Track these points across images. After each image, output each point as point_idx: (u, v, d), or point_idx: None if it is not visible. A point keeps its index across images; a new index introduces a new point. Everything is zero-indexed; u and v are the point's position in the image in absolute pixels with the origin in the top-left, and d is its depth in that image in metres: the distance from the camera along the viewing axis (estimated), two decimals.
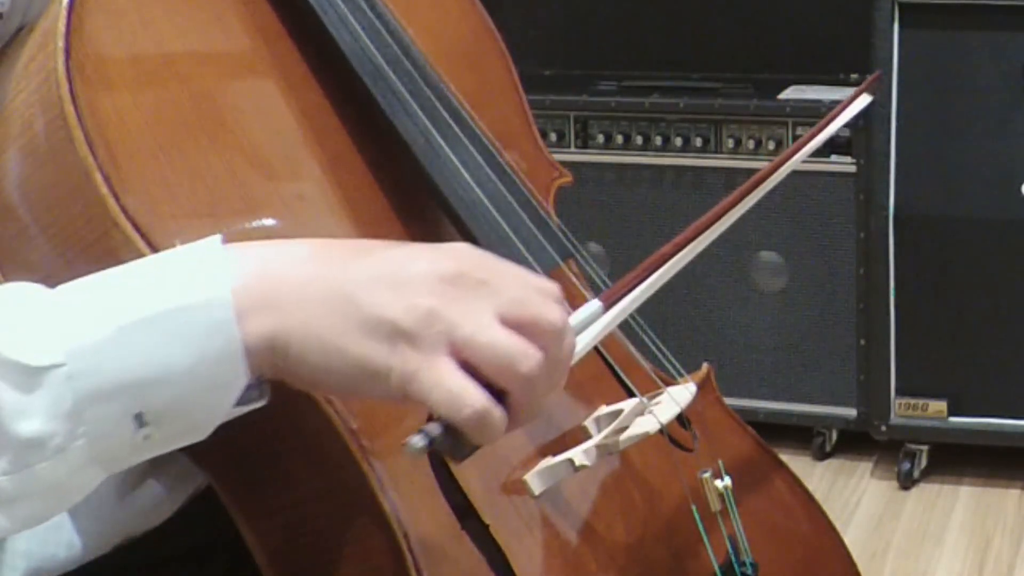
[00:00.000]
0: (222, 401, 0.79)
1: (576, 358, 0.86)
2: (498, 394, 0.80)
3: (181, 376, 0.77)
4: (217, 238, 0.79)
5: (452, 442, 0.80)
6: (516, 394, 0.80)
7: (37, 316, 0.77)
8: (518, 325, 0.80)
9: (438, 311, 0.78)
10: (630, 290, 0.93)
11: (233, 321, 0.77)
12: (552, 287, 0.83)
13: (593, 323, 0.89)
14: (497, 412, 0.79)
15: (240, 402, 0.79)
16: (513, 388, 0.80)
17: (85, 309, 0.77)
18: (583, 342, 0.89)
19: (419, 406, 0.80)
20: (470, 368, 0.79)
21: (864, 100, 1.18)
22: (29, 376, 0.75)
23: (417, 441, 0.78)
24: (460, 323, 0.79)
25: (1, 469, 0.76)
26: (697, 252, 1.01)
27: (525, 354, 0.79)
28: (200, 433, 0.80)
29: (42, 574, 0.93)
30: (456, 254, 0.82)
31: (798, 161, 1.09)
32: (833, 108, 2.55)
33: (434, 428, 0.79)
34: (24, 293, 0.78)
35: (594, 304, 0.89)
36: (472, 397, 0.78)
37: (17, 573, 0.93)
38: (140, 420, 0.77)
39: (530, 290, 0.82)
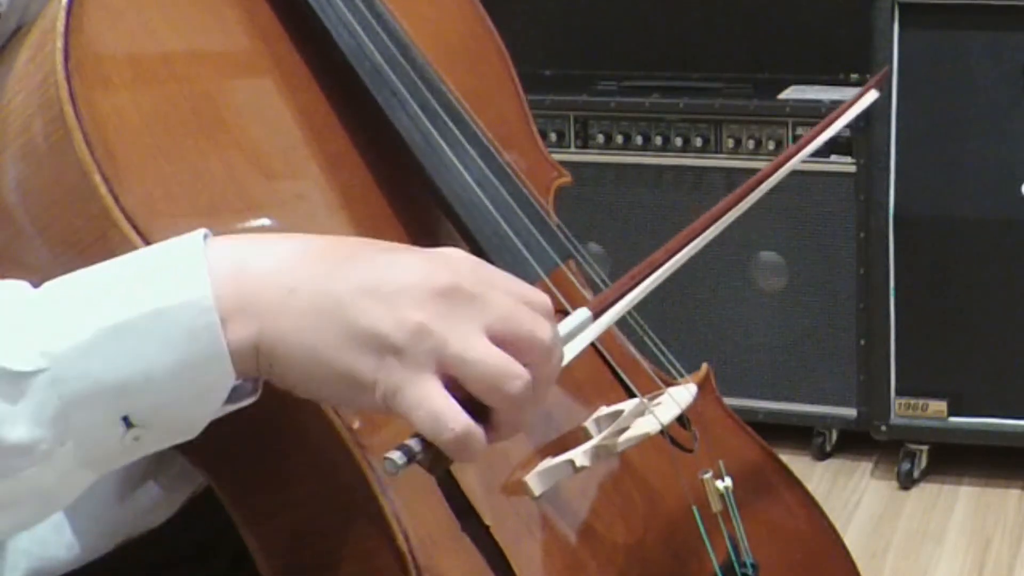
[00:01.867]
0: (209, 402, 0.77)
1: (563, 365, 0.85)
2: (483, 409, 0.78)
3: (165, 379, 0.75)
4: (199, 234, 0.77)
5: (432, 458, 0.79)
6: (501, 413, 0.79)
7: (18, 319, 0.76)
8: (508, 342, 0.78)
9: (428, 327, 0.77)
10: (619, 298, 0.92)
11: (216, 324, 0.76)
12: (543, 300, 0.82)
13: (582, 331, 0.88)
14: (478, 434, 0.78)
15: (229, 400, 0.78)
16: (499, 407, 0.78)
17: (67, 311, 0.76)
18: (571, 350, 0.87)
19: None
20: (457, 384, 0.78)
21: (872, 96, 1.17)
22: (12, 382, 0.74)
23: (398, 458, 0.77)
24: (449, 340, 0.77)
25: None
26: (697, 250, 1.00)
27: (514, 374, 0.78)
28: (191, 432, 0.79)
29: (43, 574, 0.93)
30: (449, 264, 0.79)
31: (807, 153, 1.09)
32: (833, 108, 2.56)
33: (415, 444, 0.78)
34: (5, 294, 0.77)
35: (582, 313, 0.88)
36: (454, 420, 0.77)
37: (18, 573, 0.93)
38: (127, 423, 0.76)
39: (521, 305, 0.80)
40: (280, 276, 0.77)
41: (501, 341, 0.78)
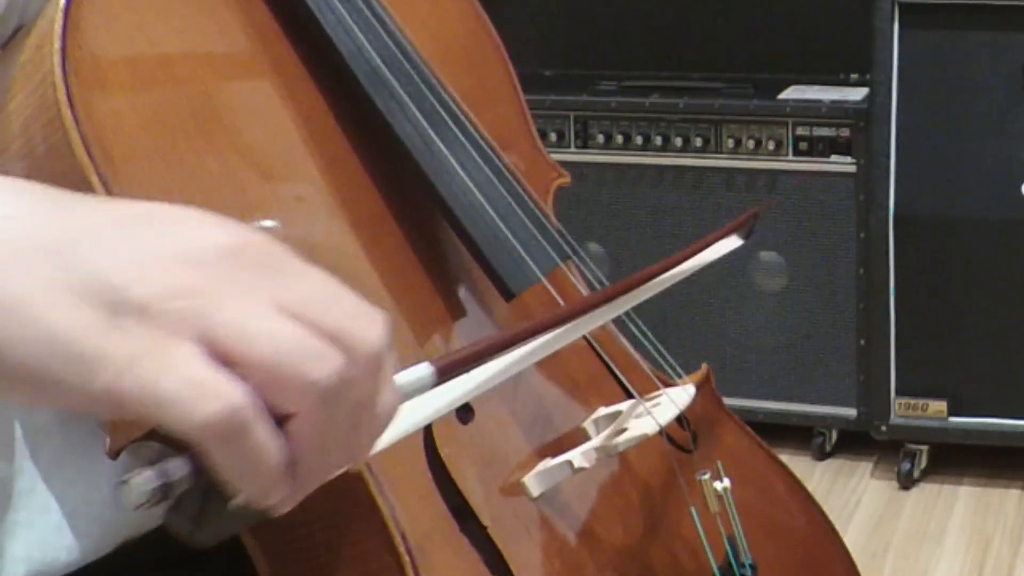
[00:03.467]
0: None
1: (394, 436, 0.65)
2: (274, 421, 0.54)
3: None
4: None
5: (199, 490, 0.54)
6: (303, 415, 0.54)
7: None
8: (315, 328, 0.55)
9: (191, 283, 0.54)
10: (472, 365, 0.70)
11: None
12: (380, 312, 0.58)
13: (420, 393, 0.65)
14: (262, 432, 0.53)
15: None
16: (300, 404, 0.54)
17: None
18: (405, 418, 0.65)
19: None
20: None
21: (734, 242, 1.02)
22: None
23: (142, 483, 0.53)
24: (222, 303, 0.54)
25: None
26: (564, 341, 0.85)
27: (320, 354, 0.54)
28: None
29: None
30: (244, 231, 0.58)
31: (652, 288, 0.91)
32: (834, 108, 2.53)
33: (176, 467, 0.53)
34: None
35: (423, 369, 0.65)
36: (222, 390, 0.52)
37: None
38: None
39: (342, 296, 0.58)
40: None
41: (305, 324, 0.55)
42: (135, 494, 0.53)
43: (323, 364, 0.54)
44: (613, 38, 3.02)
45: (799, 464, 2.74)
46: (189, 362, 0.53)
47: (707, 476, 1.05)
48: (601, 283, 1.11)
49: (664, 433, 1.04)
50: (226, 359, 0.53)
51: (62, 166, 0.81)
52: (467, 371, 0.70)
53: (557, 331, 0.80)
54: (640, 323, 1.09)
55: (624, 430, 1.01)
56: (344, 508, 0.89)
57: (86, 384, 0.53)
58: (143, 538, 0.96)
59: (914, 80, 2.51)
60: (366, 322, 0.57)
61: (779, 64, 2.85)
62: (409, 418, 0.66)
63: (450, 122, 1.01)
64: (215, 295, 0.54)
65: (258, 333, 0.53)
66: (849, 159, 2.62)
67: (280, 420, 0.54)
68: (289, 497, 0.56)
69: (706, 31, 2.95)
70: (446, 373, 0.66)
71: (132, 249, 0.54)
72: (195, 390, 0.52)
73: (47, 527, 0.92)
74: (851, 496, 2.67)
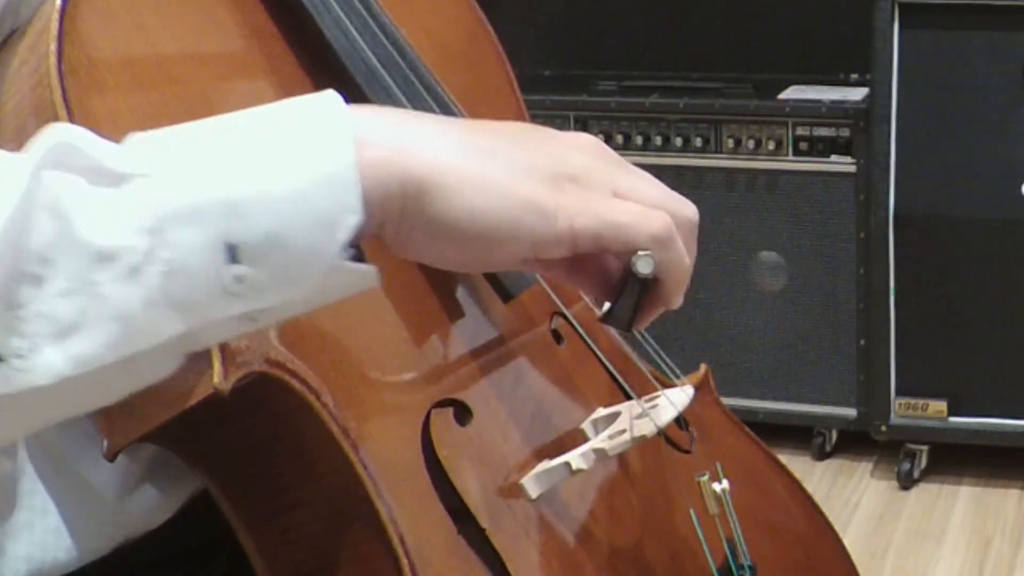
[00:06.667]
0: (327, 241, 0.69)
1: None
2: None
3: (283, 201, 0.68)
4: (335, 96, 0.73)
5: (635, 295, 0.83)
6: (681, 242, 0.82)
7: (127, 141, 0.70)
8: (656, 196, 0.83)
9: (597, 165, 0.81)
10: None
11: (350, 143, 0.70)
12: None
13: None
14: (679, 240, 0.82)
15: (348, 247, 0.70)
16: (680, 235, 0.82)
17: (182, 129, 0.71)
18: None
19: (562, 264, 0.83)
20: None
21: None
22: (111, 180, 0.67)
23: (644, 255, 0.81)
24: (616, 173, 0.81)
25: (59, 289, 0.66)
26: None
27: (681, 205, 0.83)
28: (297, 287, 0.69)
29: None
30: (590, 137, 0.85)
31: None
32: (833, 108, 2.51)
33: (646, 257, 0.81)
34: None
35: None
36: (656, 213, 0.80)
37: None
38: (232, 254, 0.67)
39: (662, 185, 0.84)
40: (430, 124, 0.79)
41: None
42: (641, 263, 0.81)
43: (687, 209, 0.83)
44: (613, 38, 3.02)
45: (799, 464, 2.74)
46: (622, 203, 0.80)
47: (706, 477, 1.05)
48: None
49: (663, 434, 1.03)
50: None
51: None
52: None
53: None
54: None
55: (622, 431, 1.00)
56: (343, 510, 0.89)
57: (551, 228, 0.77)
58: (141, 539, 0.96)
59: (914, 80, 2.51)
60: (684, 202, 0.84)
61: (779, 64, 2.85)
62: None
63: None
64: (609, 168, 0.81)
65: (645, 191, 0.82)
66: (849, 159, 2.62)
67: None
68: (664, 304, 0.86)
69: (706, 31, 2.95)
70: None
71: (545, 150, 0.80)
72: (642, 215, 0.80)
73: (47, 528, 0.92)
74: (851, 496, 2.67)
